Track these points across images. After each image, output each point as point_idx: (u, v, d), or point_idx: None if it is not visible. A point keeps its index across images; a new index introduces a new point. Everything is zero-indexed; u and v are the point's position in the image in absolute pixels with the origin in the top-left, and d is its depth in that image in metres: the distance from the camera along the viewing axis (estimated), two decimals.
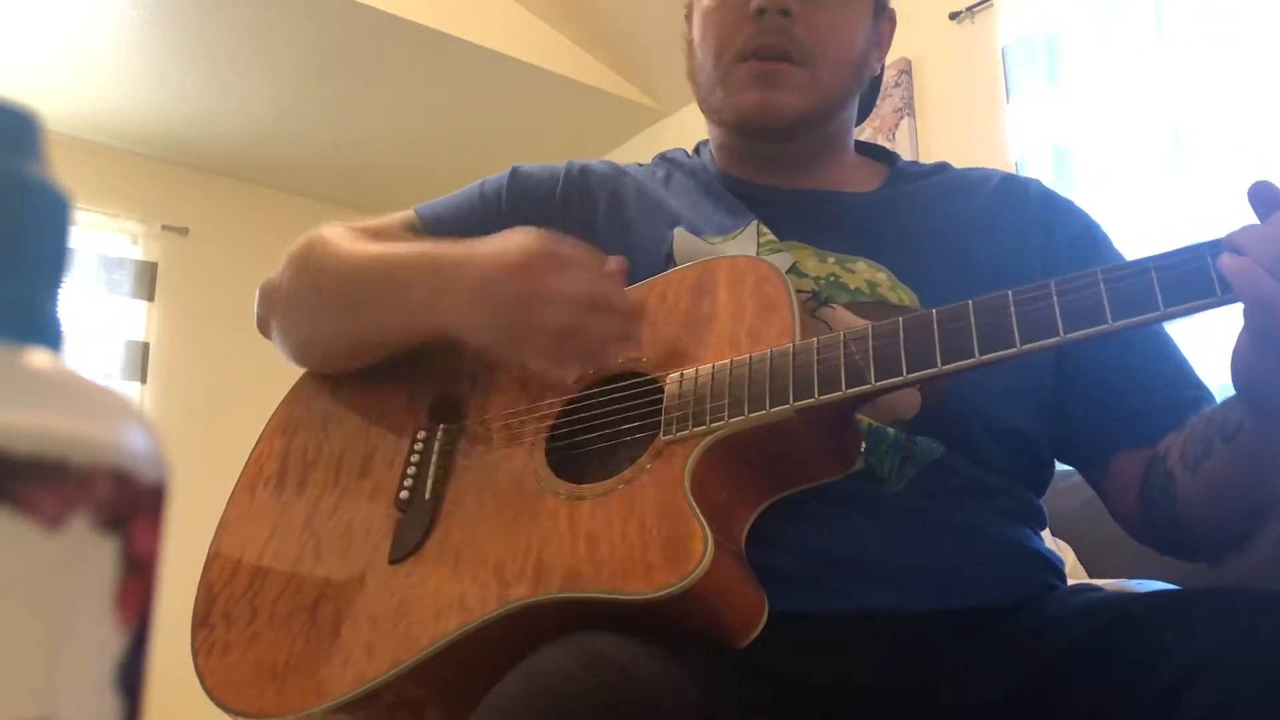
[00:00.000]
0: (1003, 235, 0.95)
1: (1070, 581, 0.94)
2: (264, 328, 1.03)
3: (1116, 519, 0.95)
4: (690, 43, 1.03)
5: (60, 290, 0.25)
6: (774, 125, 0.96)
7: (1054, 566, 0.90)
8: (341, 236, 0.98)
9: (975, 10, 2.88)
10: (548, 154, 1.09)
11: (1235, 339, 0.72)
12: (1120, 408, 0.91)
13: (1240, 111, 2.27)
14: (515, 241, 0.82)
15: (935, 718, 0.79)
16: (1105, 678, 0.71)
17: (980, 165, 1.08)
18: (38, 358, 0.23)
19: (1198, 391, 0.92)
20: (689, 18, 1.05)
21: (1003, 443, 0.88)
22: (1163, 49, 2.42)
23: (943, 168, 1.06)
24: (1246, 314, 0.68)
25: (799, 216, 0.97)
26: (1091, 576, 1.71)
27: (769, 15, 0.93)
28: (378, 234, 1.02)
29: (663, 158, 1.10)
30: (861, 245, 0.93)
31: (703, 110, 1.04)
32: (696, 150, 1.10)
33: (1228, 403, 0.80)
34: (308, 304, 0.97)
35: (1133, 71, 2.47)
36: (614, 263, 0.83)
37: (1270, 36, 2.25)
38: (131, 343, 3.90)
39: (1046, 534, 1.00)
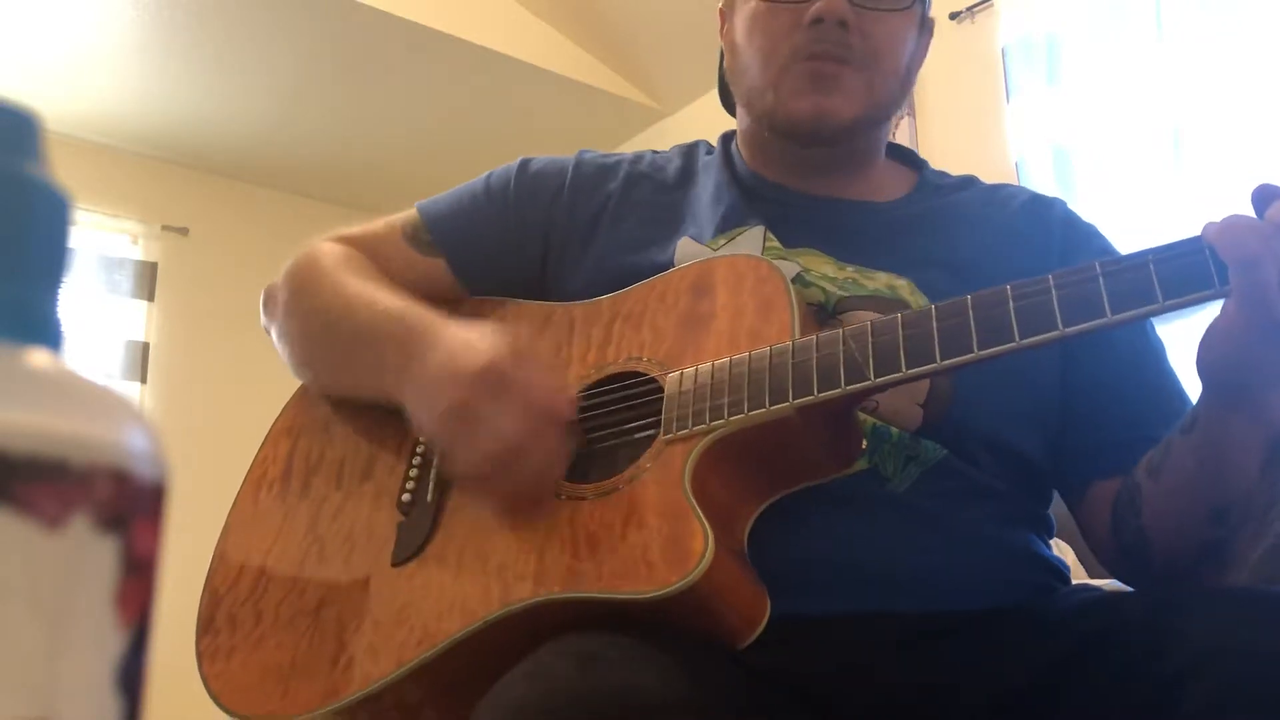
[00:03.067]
0: (1023, 257, 0.93)
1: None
2: (268, 331, 1.04)
3: (1090, 546, 0.93)
4: (730, 41, 1.00)
5: (60, 290, 0.25)
6: (825, 133, 0.94)
7: (1058, 571, 0.89)
8: (335, 264, 0.98)
9: (975, 10, 2.88)
10: (547, 154, 1.08)
11: (1210, 322, 0.72)
12: (1109, 436, 0.90)
13: (1240, 111, 2.27)
14: (481, 345, 0.80)
15: (936, 718, 0.79)
16: (1105, 677, 0.71)
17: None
18: (38, 358, 0.23)
19: None
20: (725, 14, 1.02)
21: (1003, 461, 0.88)
22: (1163, 49, 2.42)
23: (970, 182, 1.04)
24: (1231, 278, 0.67)
25: (820, 225, 0.95)
26: (1091, 577, 1.70)
27: (826, 26, 0.90)
28: (375, 249, 1.02)
29: (681, 150, 1.08)
30: (882, 260, 0.92)
31: (742, 106, 1.01)
32: (722, 142, 1.07)
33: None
34: (296, 337, 0.99)
35: (1132, 71, 2.47)
36: (569, 393, 0.82)
37: (1270, 36, 2.25)
38: (131, 343, 3.90)
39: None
